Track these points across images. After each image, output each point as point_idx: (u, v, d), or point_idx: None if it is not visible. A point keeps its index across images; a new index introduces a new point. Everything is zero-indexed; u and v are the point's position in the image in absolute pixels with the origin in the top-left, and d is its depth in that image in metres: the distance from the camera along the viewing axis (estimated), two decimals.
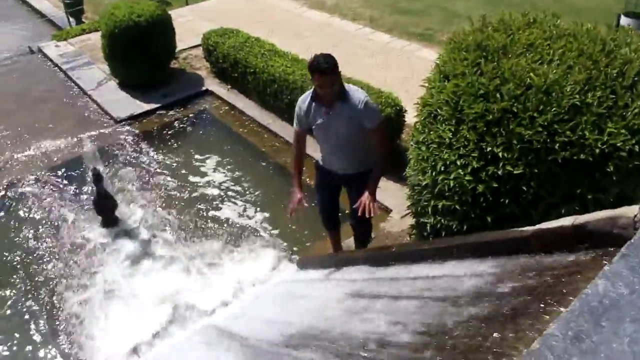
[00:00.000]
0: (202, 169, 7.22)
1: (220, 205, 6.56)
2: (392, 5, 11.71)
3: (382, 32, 10.38)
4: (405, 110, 6.51)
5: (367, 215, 4.09)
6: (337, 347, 2.72)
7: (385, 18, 11.09)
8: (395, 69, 8.76)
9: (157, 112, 8.41)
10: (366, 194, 4.11)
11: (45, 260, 5.97)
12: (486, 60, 3.32)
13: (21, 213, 6.69)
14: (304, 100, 4.32)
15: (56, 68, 10.14)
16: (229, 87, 8.74)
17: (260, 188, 6.82)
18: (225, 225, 6.26)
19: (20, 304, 5.47)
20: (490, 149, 3.05)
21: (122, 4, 8.77)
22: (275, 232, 6.09)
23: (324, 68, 3.91)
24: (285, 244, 5.91)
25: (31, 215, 6.64)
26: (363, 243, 5.06)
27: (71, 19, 12.43)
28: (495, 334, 1.82)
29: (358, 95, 4.11)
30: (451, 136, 3.28)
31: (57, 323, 5.24)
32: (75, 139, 7.97)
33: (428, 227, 3.61)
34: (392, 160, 4.86)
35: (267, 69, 7.77)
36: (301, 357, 2.88)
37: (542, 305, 1.79)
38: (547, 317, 1.70)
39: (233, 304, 5.28)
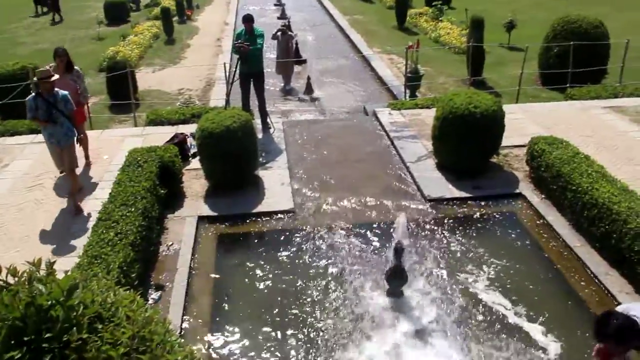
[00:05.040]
0: (499, 276, 7.00)
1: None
2: None
3: None
4: None
5: None
6: None
7: None
8: None
9: (465, 201, 8.52)
10: None
11: (322, 310, 6.44)
12: None
13: (315, 259, 7.34)
14: None
15: (384, 133, 11.04)
16: (543, 196, 8.46)
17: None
18: None
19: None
20: None
21: (462, 93, 9.21)
22: None
23: None
24: None
25: (325, 261, 7.25)
26: None
27: (407, 92, 13.37)
28: None
29: None
30: None
31: None
32: (384, 205, 8.53)
33: None
34: None
35: (591, 191, 7.35)
36: None
37: None
38: None
39: None
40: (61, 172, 9.05)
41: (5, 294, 2.51)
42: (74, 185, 8.41)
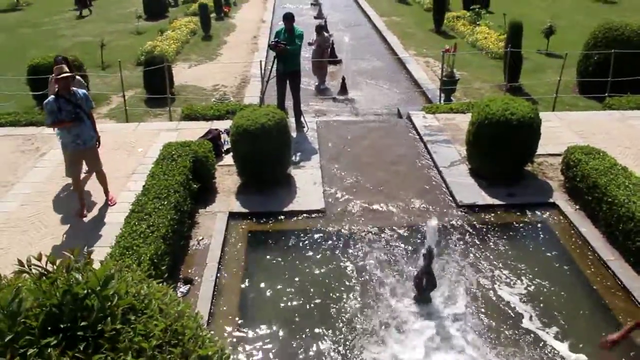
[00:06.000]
0: (528, 287, 6.89)
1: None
2: None
3: None
4: None
5: None
6: None
7: None
8: None
9: (498, 209, 8.41)
10: None
11: (346, 309, 6.43)
12: None
13: (344, 260, 7.34)
14: None
15: (417, 137, 10.96)
16: (577, 207, 8.31)
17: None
18: None
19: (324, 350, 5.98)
20: None
21: (499, 99, 9.12)
22: None
23: None
24: None
25: (354, 262, 7.23)
26: None
27: (442, 95, 13.27)
28: None
29: None
30: None
31: None
32: (415, 209, 8.47)
33: None
34: None
35: (628, 204, 7.19)
36: None
37: None
38: None
39: None
40: (77, 182, 8.12)
41: (44, 280, 2.56)
42: (103, 181, 8.26)
